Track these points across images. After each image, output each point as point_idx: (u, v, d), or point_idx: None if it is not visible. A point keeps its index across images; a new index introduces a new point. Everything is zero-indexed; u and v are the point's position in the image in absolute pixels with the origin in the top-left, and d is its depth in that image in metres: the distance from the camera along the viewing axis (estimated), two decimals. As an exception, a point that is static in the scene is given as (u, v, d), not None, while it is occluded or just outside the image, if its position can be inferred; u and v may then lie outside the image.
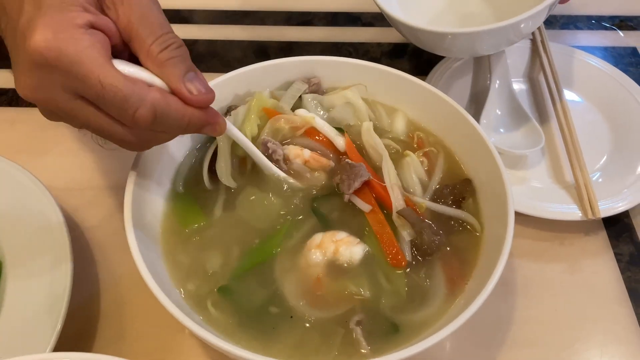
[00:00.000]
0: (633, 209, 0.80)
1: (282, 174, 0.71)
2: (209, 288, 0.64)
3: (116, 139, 0.57)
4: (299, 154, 0.73)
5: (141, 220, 0.66)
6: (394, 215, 0.66)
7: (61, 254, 0.70)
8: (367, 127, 0.75)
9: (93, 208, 0.81)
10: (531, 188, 0.82)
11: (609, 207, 0.78)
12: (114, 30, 0.54)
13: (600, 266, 0.77)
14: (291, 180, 0.72)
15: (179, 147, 0.75)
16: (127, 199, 0.64)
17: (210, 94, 0.57)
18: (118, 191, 0.80)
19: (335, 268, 0.64)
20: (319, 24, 1.06)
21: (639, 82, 0.93)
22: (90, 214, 0.81)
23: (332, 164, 0.73)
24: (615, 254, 0.78)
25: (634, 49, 1.04)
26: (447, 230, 0.66)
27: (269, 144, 0.72)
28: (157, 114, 0.53)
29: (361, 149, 0.75)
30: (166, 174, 0.74)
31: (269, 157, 0.71)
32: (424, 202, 0.69)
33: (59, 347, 0.63)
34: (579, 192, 0.79)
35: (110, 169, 0.85)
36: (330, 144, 0.74)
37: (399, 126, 0.78)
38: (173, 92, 0.55)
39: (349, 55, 1.01)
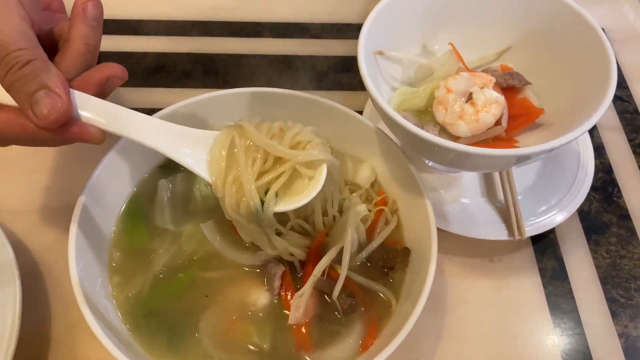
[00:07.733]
0: (558, 225, 0.86)
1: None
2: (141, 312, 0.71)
3: None
4: None
5: (88, 244, 0.71)
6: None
7: (9, 281, 0.72)
8: (358, 211, 0.73)
9: (43, 230, 0.83)
10: (463, 206, 0.87)
11: (535, 225, 0.84)
12: None
13: (525, 282, 0.83)
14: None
15: (138, 166, 0.80)
16: (73, 230, 0.69)
17: (57, 114, 0.53)
18: (69, 212, 0.81)
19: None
20: (268, 35, 1.08)
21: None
22: (41, 236, 0.82)
23: None
24: (540, 269, 0.85)
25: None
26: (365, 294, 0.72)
27: None
28: (2, 136, 0.55)
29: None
30: (119, 195, 0.78)
31: None
32: (346, 272, 0.69)
33: (11, 375, 0.66)
34: (508, 213, 0.84)
35: (61, 189, 0.87)
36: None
37: (363, 176, 0.81)
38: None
39: (297, 69, 1.03)
